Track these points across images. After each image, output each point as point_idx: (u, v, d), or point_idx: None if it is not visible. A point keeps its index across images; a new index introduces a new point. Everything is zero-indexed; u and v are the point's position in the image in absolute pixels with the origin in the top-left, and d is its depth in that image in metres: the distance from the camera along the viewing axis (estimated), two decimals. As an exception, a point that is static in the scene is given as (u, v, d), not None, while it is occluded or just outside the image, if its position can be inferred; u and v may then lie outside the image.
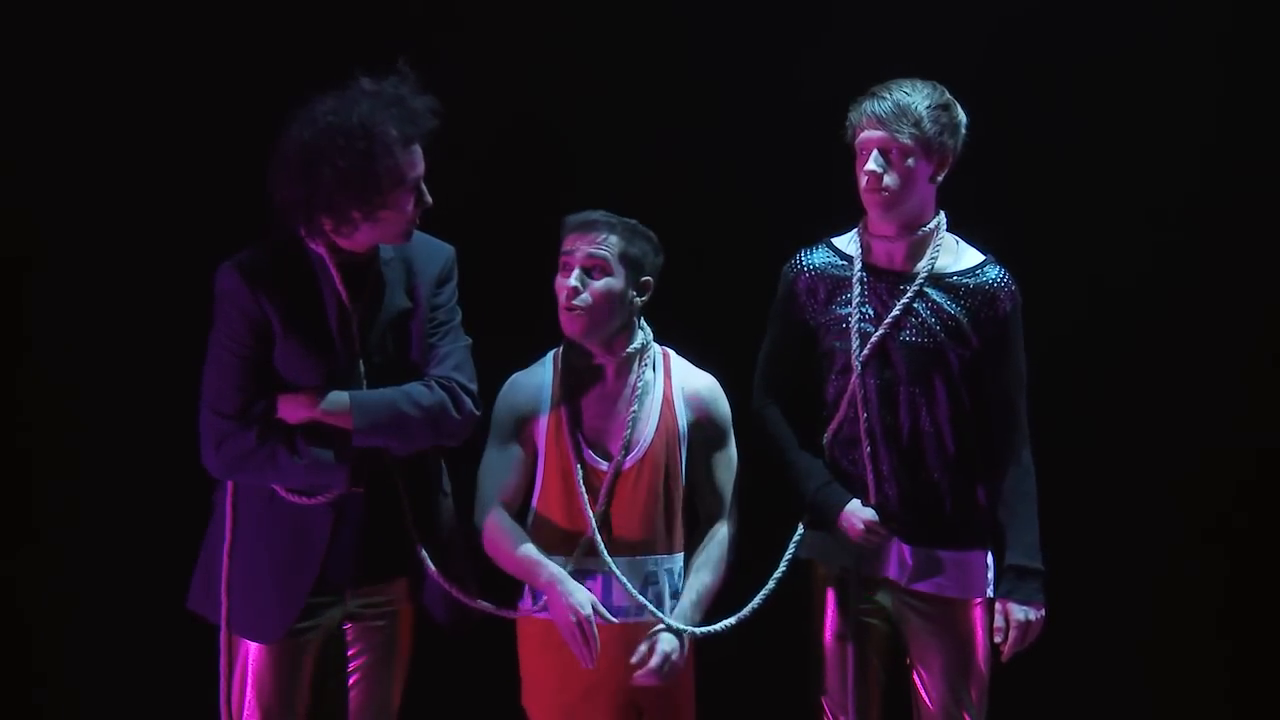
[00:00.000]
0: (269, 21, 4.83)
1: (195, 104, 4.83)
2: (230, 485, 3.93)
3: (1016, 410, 4.14)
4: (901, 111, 4.01)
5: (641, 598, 4.06)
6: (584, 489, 4.08)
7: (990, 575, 4.14)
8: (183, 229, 4.78)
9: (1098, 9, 4.95)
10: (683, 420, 4.17)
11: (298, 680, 3.97)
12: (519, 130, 4.91)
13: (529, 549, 4.05)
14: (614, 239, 4.07)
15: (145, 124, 4.84)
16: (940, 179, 4.09)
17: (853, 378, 4.10)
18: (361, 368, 3.90)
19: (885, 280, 4.12)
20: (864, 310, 4.11)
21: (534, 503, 4.13)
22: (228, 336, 3.85)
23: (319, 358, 3.86)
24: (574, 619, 3.98)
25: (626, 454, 4.10)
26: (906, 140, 4.01)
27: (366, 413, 3.84)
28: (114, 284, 4.86)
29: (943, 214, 4.15)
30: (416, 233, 3.92)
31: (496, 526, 4.08)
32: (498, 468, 4.12)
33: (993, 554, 4.15)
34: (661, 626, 4.05)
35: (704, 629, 4.10)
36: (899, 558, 4.12)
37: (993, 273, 4.12)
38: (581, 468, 4.09)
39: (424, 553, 3.97)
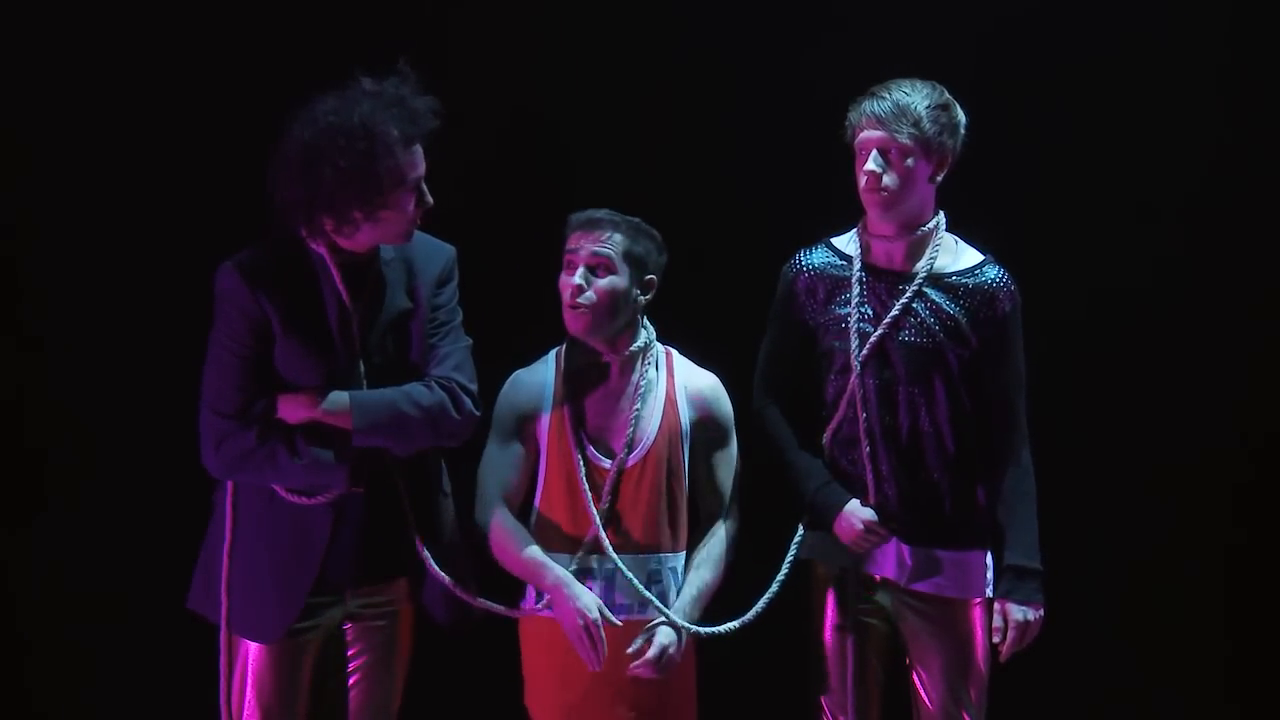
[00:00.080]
0: (269, 22, 4.83)
1: (196, 104, 4.82)
2: (230, 485, 3.93)
3: (1015, 410, 4.14)
4: (901, 111, 4.01)
5: (648, 593, 4.06)
6: (587, 487, 4.08)
7: (990, 575, 4.14)
8: (183, 229, 4.78)
9: (1096, 9, 4.95)
10: (685, 419, 4.17)
11: (298, 680, 3.97)
12: (520, 130, 4.91)
13: (534, 551, 4.06)
14: (618, 237, 4.08)
15: (146, 124, 4.84)
16: (939, 179, 4.09)
17: (852, 378, 4.10)
18: (361, 368, 3.90)
19: (884, 280, 4.12)
20: (863, 310, 4.11)
21: (536, 501, 4.14)
22: (228, 336, 3.85)
23: (319, 358, 3.86)
24: (581, 623, 3.99)
25: (629, 452, 4.11)
26: (906, 140, 4.01)
27: (366, 413, 3.84)
28: (114, 284, 4.86)
29: (942, 214, 4.15)
30: (417, 233, 3.92)
31: (500, 528, 4.08)
32: (499, 466, 4.12)
33: (992, 554, 4.15)
34: (661, 620, 4.06)
35: (708, 629, 4.10)
36: (898, 558, 4.12)
37: (992, 273, 4.12)
38: (584, 466, 4.09)
39: (425, 552, 3.97)
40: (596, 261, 4.07)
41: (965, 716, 4.13)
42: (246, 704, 3.96)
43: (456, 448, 4.02)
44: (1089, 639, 4.97)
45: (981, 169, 4.26)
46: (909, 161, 4.03)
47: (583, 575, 4.07)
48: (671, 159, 4.89)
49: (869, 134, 4.04)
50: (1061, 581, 4.20)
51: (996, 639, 4.11)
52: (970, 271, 4.11)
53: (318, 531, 3.91)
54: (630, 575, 4.05)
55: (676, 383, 4.19)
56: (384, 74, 3.81)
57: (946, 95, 4.07)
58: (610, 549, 4.05)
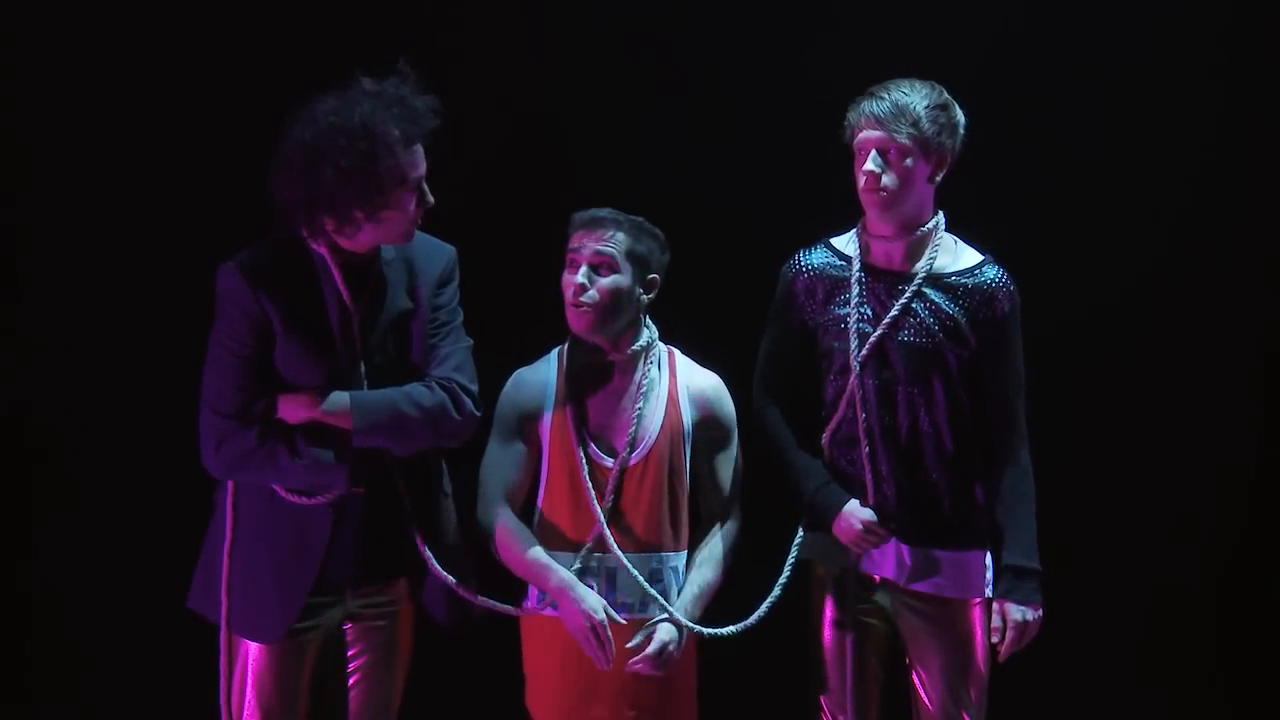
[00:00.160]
0: (269, 22, 4.83)
1: (197, 104, 4.82)
2: (230, 485, 3.93)
3: (1014, 410, 4.14)
4: (900, 111, 4.01)
5: (651, 590, 4.07)
6: (590, 485, 4.08)
7: (989, 575, 4.14)
8: (184, 229, 4.78)
9: (1096, 9, 4.95)
10: (687, 418, 4.18)
11: (298, 680, 3.97)
12: (520, 131, 4.91)
13: (538, 553, 4.06)
14: (621, 236, 4.09)
15: (147, 124, 4.84)
16: (939, 179, 4.09)
17: (851, 378, 4.10)
18: (362, 368, 3.90)
19: (884, 280, 4.12)
20: (862, 310, 4.11)
21: (539, 500, 4.14)
22: (228, 336, 3.85)
23: (320, 358, 3.86)
24: (588, 624, 4.00)
25: (632, 450, 4.11)
26: (905, 140, 4.02)
27: (366, 413, 3.84)
28: (115, 284, 4.86)
29: (941, 214, 4.15)
30: (418, 233, 3.92)
31: (504, 529, 4.09)
32: (501, 465, 4.12)
33: (991, 554, 4.15)
34: (663, 617, 4.07)
35: (710, 630, 4.11)
36: (897, 558, 4.12)
37: (991, 273, 4.12)
38: (587, 464, 4.10)
39: (427, 551, 3.97)
40: (599, 260, 4.07)
41: (965, 716, 4.13)
42: (246, 704, 3.96)
43: (457, 448, 4.02)
44: (1088, 639, 4.97)
45: (981, 169, 4.26)
46: (908, 162, 4.03)
47: (584, 574, 4.07)
48: (671, 159, 4.89)
49: (868, 134, 4.04)
50: (1060, 581, 4.19)
51: (995, 639, 4.11)
52: (969, 271, 4.11)
53: (318, 531, 3.90)
54: (634, 572, 4.06)
55: (679, 382, 4.19)
56: (384, 74, 3.81)
57: (945, 95, 4.07)
58: (615, 547, 4.06)
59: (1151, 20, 4.95)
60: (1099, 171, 4.97)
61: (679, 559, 4.15)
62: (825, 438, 4.18)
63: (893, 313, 4.09)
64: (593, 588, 4.06)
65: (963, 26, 4.91)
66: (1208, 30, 4.96)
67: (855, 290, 4.12)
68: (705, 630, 4.10)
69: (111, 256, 4.85)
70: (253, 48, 4.82)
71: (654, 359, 4.19)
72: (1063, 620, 4.26)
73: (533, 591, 4.14)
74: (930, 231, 4.12)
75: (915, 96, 4.03)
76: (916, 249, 4.11)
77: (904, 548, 4.11)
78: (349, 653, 4.04)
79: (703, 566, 4.15)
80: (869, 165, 4.03)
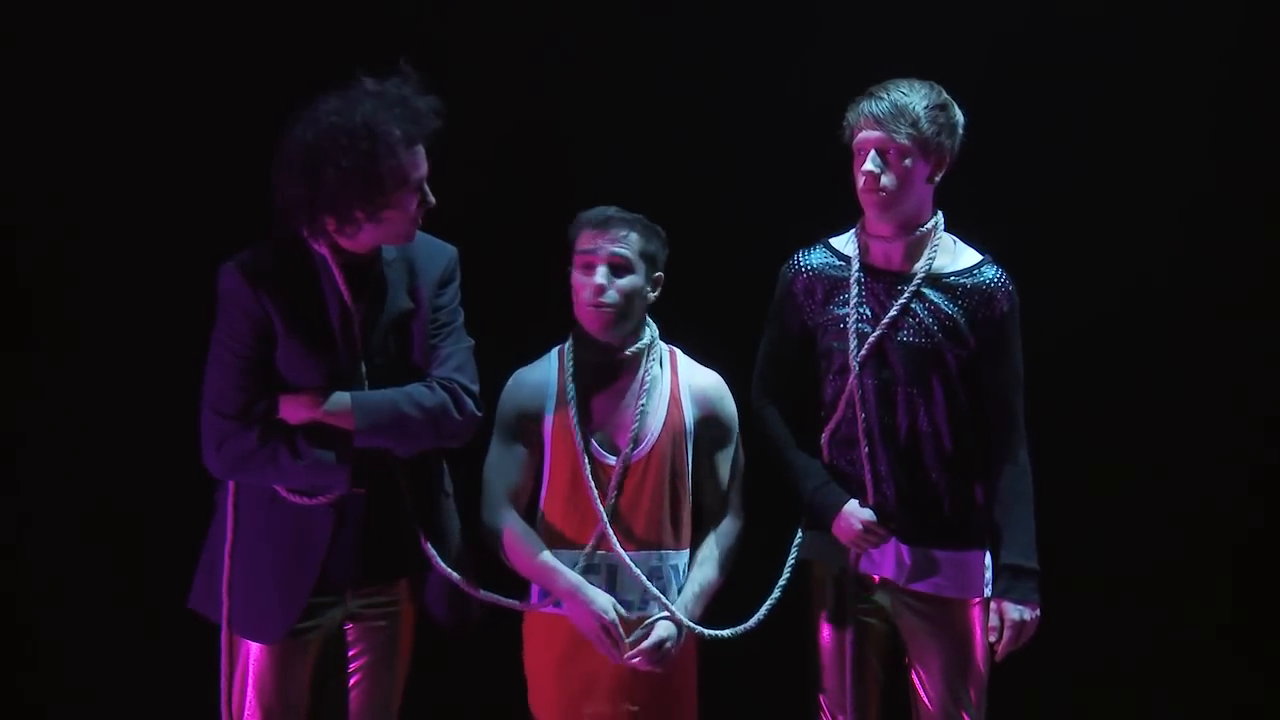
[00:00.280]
0: (270, 23, 4.83)
1: (197, 104, 4.82)
2: (232, 485, 3.93)
3: (1013, 410, 4.14)
4: (899, 112, 4.01)
5: (653, 588, 4.08)
6: (593, 484, 4.09)
7: (988, 575, 4.15)
8: (185, 229, 4.77)
9: (1095, 9, 4.96)
10: (689, 417, 4.18)
11: (298, 680, 3.97)
12: (521, 131, 4.91)
13: (545, 556, 4.07)
14: (634, 236, 4.10)
15: (147, 124, 4.83)
16: (938, 179, 4.09)
17: (850, 378, 4.10)
18: (363, 368, 3.90)
19: (883, 280, 4.12)
20: (862, 310, 4.12)
21: (542, 499, 4.15)
22: (229, 336, 3.85)
23: (320, 358, 3.86)
24: (599, 625, 4.01)
25: (634, 448, 4.12)
26: (904, 140, 4.02)
27: (368, 413, 3.84)
28: (116, 284, 4.85)
29: (940, 214, 4.15)
30: (419, 233, 3.92)
31: (510, 532, 4.09)
32: (505, 466, 4.13)
33: (990, 554, 4.15)
34: (662, 615, 4.07)
35: (710, 631, 4.11)
36: (897, 558, 4.12)
37: (990, 272, 4.13)
38: (590, 463, 4.10)
39: (430, 548, 3.97)
40: (616, 261, 4.09)
41: (964, 716, 4.13)
42: (247, 704, 3.96)
43: (458, 448, 4.02)
44: (1087, 639, 4.98)
45: (980, 169, 4.27)
46: (907, 162, 4.03)
47: (587, 571, 4.08)
48: (671, 159, 4.89)
49: (867, 134, 4.04)
50: (1058, 581, 4.19)
51: (993, 638, 4.12)
52: (968, 271, 4.12)
53: (319, 532, 3.91)
54: (636, 570, 4.06)
55: (681, 381, 4.20)
56: (386, 74, 3.81)
57: (945, 95, 4.07)
58: (616, 545, 4.06)
59: (1151, 20, 4.95)
60: (1098, 171, 4.97)
61: (680, 557, 4.16)
62: (824, 438, 4.18)
63: (892, 313, 4.09)
64: (596, 583, 4.07)
65: (962, 27, 4.91)
66: (1208, 30, 4.96)
67: (854, 290, 4.13)
68: (706, 631, 4.11)
69: (112, 256, 4.85)
70: (253, 48, 4.81)
71: (656, 357, 4.20)
72: (1061, 620, 4.26)
73: (535, 589, 4.14)
74: (929, 231, 4.12)
75: (914, 97, 4.03)
76: (915, 249, 4.12)
77: (903, 548, 4.12)
78: (350, 653, 4.04)
79: (703, 565, 4.16)
80: (868, 165, 4.03)
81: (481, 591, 4.06)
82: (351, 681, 4.05)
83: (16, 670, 4.95)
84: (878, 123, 4.02)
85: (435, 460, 4.04)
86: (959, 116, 4.09)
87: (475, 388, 3.96)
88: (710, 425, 4.20)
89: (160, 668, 4.79)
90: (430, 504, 4.01)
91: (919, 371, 4.08)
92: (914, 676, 4.17)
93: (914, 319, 4.09)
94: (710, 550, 4.17)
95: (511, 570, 4.14)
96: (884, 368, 4.10)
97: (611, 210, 4.12)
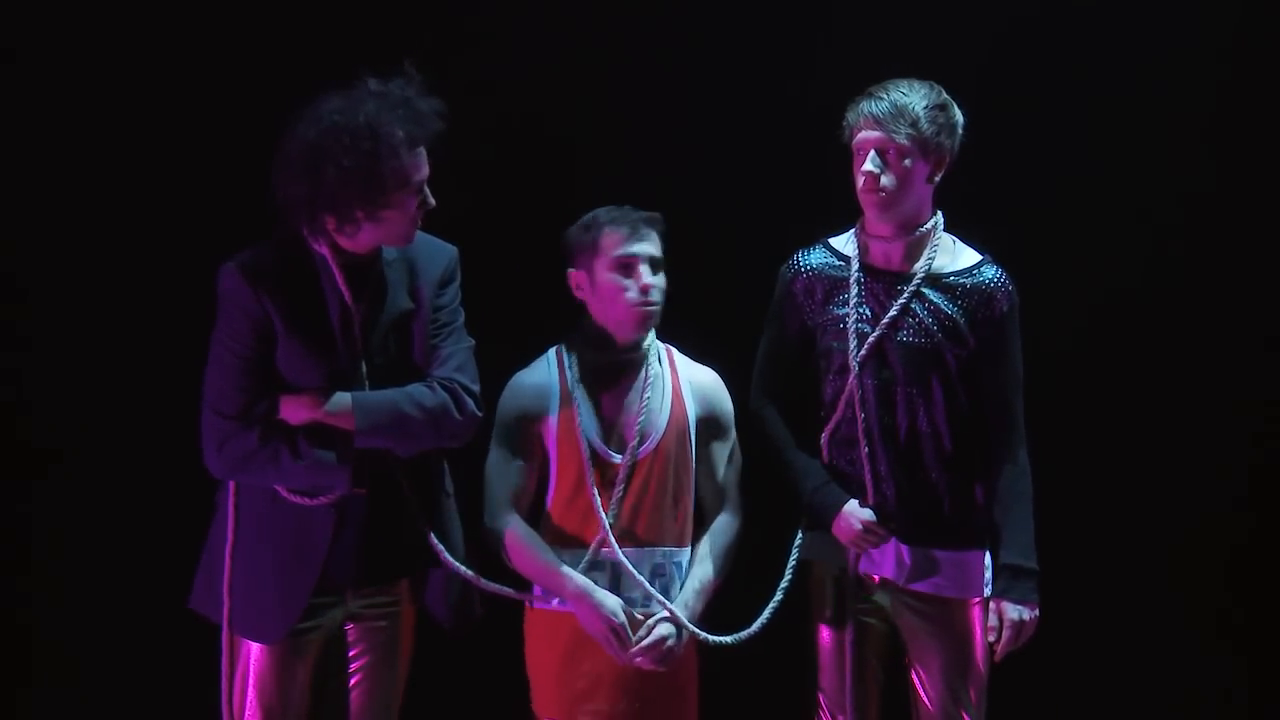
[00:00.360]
0: (270, 24, 4.83)
1: (198, 105, 4.82)
2: (232, 486, 3.93)
3: (1013, 410, 4.14)
4: (899, 112, 4.01)
5: (654, 589, 4.08)
6: (600, 482, 4.09)
7: (988, 575, 4.15)
8: (186, 229, 4.78)
9: (1095, 9, 4.96)
10: (692, 413, 4.19)
11: (299, 681, 3.97)
12: (521, 130, 4.91)
13: (553, 561, 4.07)
14: (656, 235, 4.13)
15: (148, 124, 4.83)
16: (937, 179, 4.09)
17: (850, 378, 4.10)
18: (364, 368, 3.90)
19: (883, 280, 4.12)
20: (861, 310, 4.12)
21: (548, 499, 4.14)
22: (229, 336, 3.85)
23: (321, 358, 3.86)
24: (608, 628, 4.02)
25: (640, 445, 4.12)
26: (904, 141, 4.02)
27: (368, 414, 3.84)
28: (117, 284, 4.85)
29: (940, 214, 4.15)
30: (419, 233, 3.91)
31: (516, 537, 4.09)
32: (507, 470, 4.13)
33: (990, 553, 4.16)
34: (663, 615, 4.08)
35: (714, 637, 4.12)
36: (897, 558, 4.12)
37: (990, 272, 4.13)
38: (596, 461, 4.10)
39: (435, 540, 3.97)
40: (653, 261, 4.10)
41: (964, 716, 4.13)
42: (248, 704, 3.96)
43: (459, 448, 4.02)
44: (1087, 638, 4.98)
45: (980, 169, 4.27)
46: (907, 162, 4.03)
47: (593, 569, 4.08)
48: (671, 159, 4.89)
49: (867, 134, 4.04)
50: (1057, 581, 4.20)
51: (992, 638, 4.12)
52: (968, 271, 4.12)
53: (320, 532, 3.90)
54: (637, 575, 4.07)
55: (681, 377, 4.21)
56: (390, 75, 3.81)
57: (944, 95, 4.07)
58: (615, 546, 4.06)
59: (1151, 20, 4.96)
60: (1098, 171, 4.98)
61: (684, 554, 4.17)
62: (824, 438, 4.18)
63: (891, 313, 4.09)
64: (600, 582, 4.07)
65: (962, 27, 4.91)
66: (1208, 30, 4.97)
67: (854, 290, 4.13)
68: (710, 637, 4.11)
69: (113, 257, 4.85)
70: (254, 49, 4.82)
71: (656, 354, 4.20)
72: (1060, 620, 4.26)
73: (536, 588, 4.15)
74: (929, 231, 4.12)
75: (914, 97, 4.03)
76: (915, 249, 4.12)
77: (903, 548, 4.12)
78: (350, 653, 4.04)
79: (704, 562, 4.17)
80: (868, 165, 4.03)
81: (485, 581, 4.05)
82: (352, 682, 4.05)
83: (17, 670, 4.95)
84: (877, 123, 4.02)
85: (436, 460, 4.04)
86: (959, 116, 4.09)
87: (476, 388, 3.96)
88: (710, 421, 4.21)
89: (161, 668, 4.79)
90: (431, 504, 4.01)
91: (919, 371, 4.08)
92: (914, 676, 4.17)
93: (914, 319, 4.09)
94: (710, 547, 4.18)
95: (513, 572, 4.14)
96: (884, 368, 4.10)
97: (638, 212, 4.12)
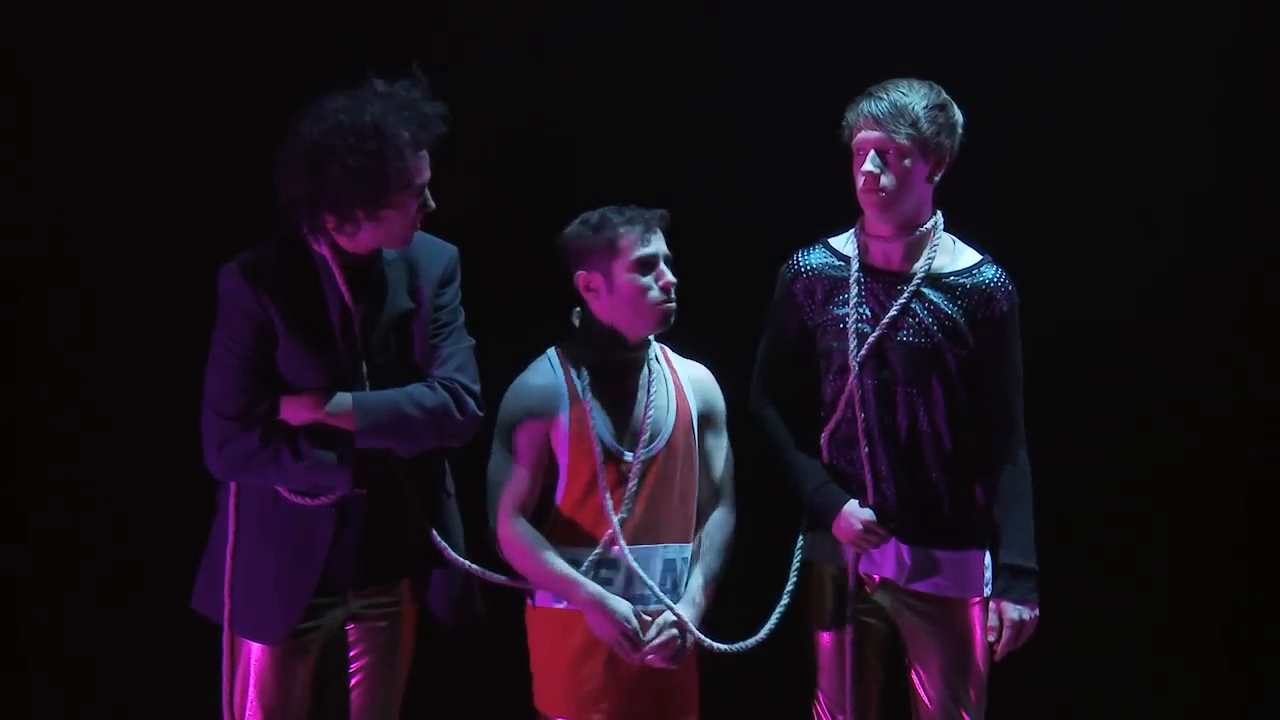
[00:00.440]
0: (270, 24, 4.84)
1: (199, 106, 4.83)
2: (233, 486, 3.93)
3: (1013, 410, 4.14)
4: (899, 112, 4.01)
5: (661, 593, 4.08)
6: (612, 481, 4.08)
7: (988, 575, 4.15)
8: (186, 229, 4.78)
9: (1095, 9, 4.96)
10: (694, 408, 4.19)
11: (300, 681, 3.97)
12: (522, 130, 4.92)
13: (564, 567, 4.05)
14: (663, 232, 4.12)
15: (148, 125, 4.84)
16: (937, 179, 4.09)
17: (850, 378, 4.10)
18: (364, 368, 3.90)
19: (882, 280, 4.12)
20: (861, 310, 4.11)
21: (557, 501, 4.11)
22: (229, 337, 3.85)
23: (321, 358, 3.86)
24: (620, 632, 4.02)
25: (651, 443, 4.12)
26: (904, 140, 4.02)
27: (369, 414, 3.84)
28: (117, 284, 4.86)
29: (939, 214, 4.15)
30: (420, 233, 3.92)
31: (526, 544, 4.06)
32: (514, 474, 4.09)
33: (990, 553, 4.15)
34: (673, 620, 4.07)
35: (720, 646, 4.12)
36: (897, 557, 4.12)
37: (990, 272, 4.12)
38: (609, 460, 4.09)
39: (440, 540, 3.97)
40: (667, 259, 4.11)
41: (964, 716, 4.13)
42: (248, 704, 3.96)
43: (460, 448, 4.02)
44: (1087, 638, 4.98)
45: (979, 169, 4.27)
46: (907, 162, 4.03)
47: (603, 567, 4.08)
48: (671, 159, 4.90)
49: (866, 134, 4.04)
50: (1057, 581, 4.20)
51: (992, 638, 4.11)
52: (968, 271, 4.12)
53: (321, 532, 3.90)
54: (643, 575, 4.07)
55: (680, 374, 4.21)
56: (396, 76, 3.81)
57: (944, 95, 4.07)
58: (623, 545, 4.06)
59: (1151, 20, 4.96)
60: (1098, 171, 4.99)
61: (689, 549, 4.16)
62: (824, 438, 4.18)
63: (891, 313, 4.09)
64: (614, 580, 4.07)
65: (962, 27, 4.92)
66: (1209, 30, 4.97)
67: (854, 290, 4.12)
68: (719, 646, 4.12)
69: (114, 257, 4.86)
70: (255, 50, 4.82)
71: (653, 353, 4.20)
72: (1060, 619, 4.26)
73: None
74: (929, 231, 4.12)
75: (914, 96, 4.03)
76: (915, 249, 4.12)
77: (904, 547, 4.11)
78: (351, 653, 4.04)
79: (706, 556, 4.17)
80: (868, 166, 4.03)
81: (489, 574, 4.05)
82: (353, 682, 4.05)
83: (18, 671, 4.95)
84: (877, 123, 4.02)
85: (437, 460, 4.04)
86: (958, 116, 4.09)
87: (476, 387, 3.96)
88: (708, 417, 4.21)
89: (162, 668, 4.80)
90: (432, 504, 4.01)
91: (919, 371, 4.08)
92: (914, 676, 4.16)
93: (914, 319, 4.09)
94: (711, 542, 4.18)
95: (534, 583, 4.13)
96: (884, 368, 4.10)
97: (649, 211, 4.11)
